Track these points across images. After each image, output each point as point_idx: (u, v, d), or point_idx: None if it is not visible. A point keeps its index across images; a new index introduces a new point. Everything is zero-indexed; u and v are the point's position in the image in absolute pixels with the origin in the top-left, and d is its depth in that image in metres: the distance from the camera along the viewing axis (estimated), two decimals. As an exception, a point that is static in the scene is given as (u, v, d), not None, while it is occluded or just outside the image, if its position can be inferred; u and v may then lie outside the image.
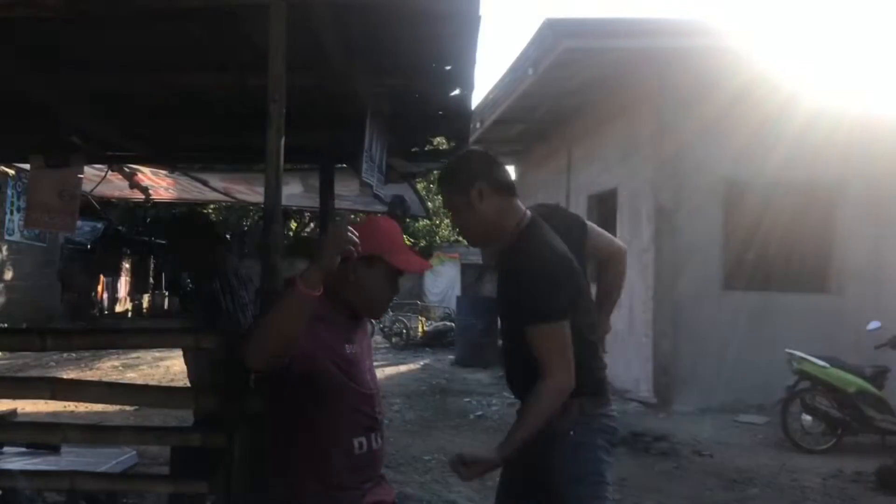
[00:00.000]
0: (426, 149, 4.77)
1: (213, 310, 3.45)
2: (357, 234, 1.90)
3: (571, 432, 2.20)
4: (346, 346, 2.04)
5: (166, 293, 23.99)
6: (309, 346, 1.89)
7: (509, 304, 2.25)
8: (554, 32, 8.15)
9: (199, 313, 3.52)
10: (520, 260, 2.18)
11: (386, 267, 2.04)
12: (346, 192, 5.86)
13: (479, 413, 8.04)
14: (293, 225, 21.84)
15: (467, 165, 2.29)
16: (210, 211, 19.73)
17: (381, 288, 2.07)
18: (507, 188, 2.26)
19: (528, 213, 2.29)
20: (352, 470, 2.00)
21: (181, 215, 3.83)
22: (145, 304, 22.34)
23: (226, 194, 7.25)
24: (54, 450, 2.99)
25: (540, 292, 2.11)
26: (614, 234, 9.96)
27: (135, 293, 22.71)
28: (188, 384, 3.75)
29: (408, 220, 19.01)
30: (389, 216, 4.95)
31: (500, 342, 2.39)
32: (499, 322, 2.40)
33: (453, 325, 14.35)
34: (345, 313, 2.08)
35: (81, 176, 4.92)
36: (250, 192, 6.92)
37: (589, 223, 2.50)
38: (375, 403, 2.09)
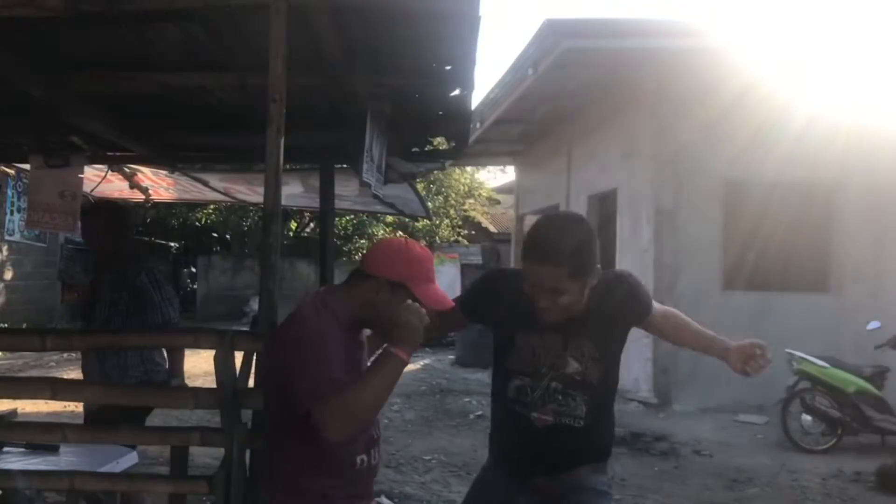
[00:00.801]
0: (426, 149, 4.76)
1: (142, 302, 3.52)
2: (391, 256, 2.00)
3: (610, 496, 2.23)
4: (356, 351, 2.04)
5: (166, 293, 23.97)
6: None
7: (630, 314, 2.26)
8: (554, 32, 8.14)
9: (128, 304, 3.55)
10: (617, 279, 2.26)
11: (408, 295, 1.98)
12: (346, 192, 5.85)
13: (479, 413, 8.04)
14: (293, 225, 21.84)
15: (593, 247, 2.04)
16: (210, 210, 19.78)
17: (396, 320, 1.99)
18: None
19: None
20: (350, 485, 1.99)
21: (90, 206, 3.88)
22: (145, 304, 22.33)
23: (226, 194, 7.24)
24: (53, 449, 2.98)
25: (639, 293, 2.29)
26: (614, 234, 10.01)
27: (135, 293, 22.69)
28: (188, 384, 3.77)
29: (408, 220, 19.06)
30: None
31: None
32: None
33: (453, 324, 14.32)
34: (359, 330, 2.07)
35: (82, 176, 4.92)
36: (250, 192, 6.91)
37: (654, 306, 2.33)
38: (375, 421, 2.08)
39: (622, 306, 2.19)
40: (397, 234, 21.42)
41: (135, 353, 3.51)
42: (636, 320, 2.25)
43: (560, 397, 2.14)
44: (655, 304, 2.29)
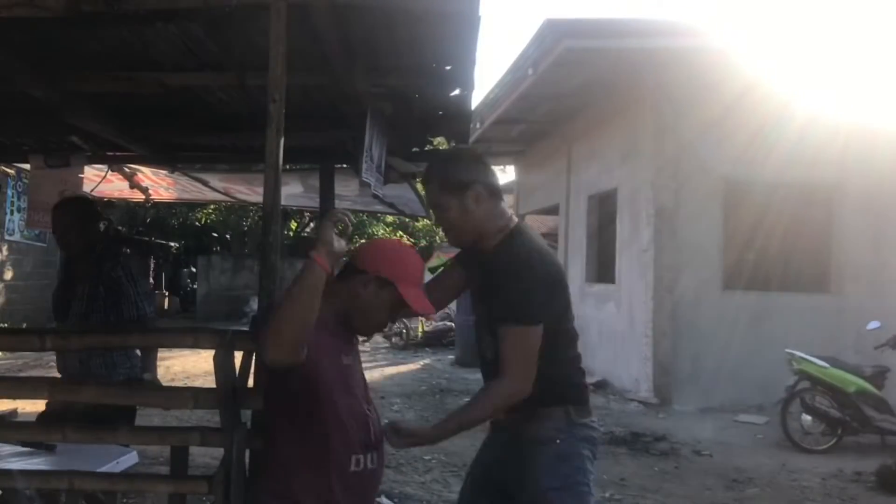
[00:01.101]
0: (426, 149, 4.76)
1: (118, 296, 3.51)
2: (384, 253, 2.06)
3: (557, 440, 2.19)
4: (343, 356, 2.03)
5: (166, 293, 24.01)
6: (314, 351, 1.87)
7: (498, 298, 2.17)
8: (554, 32, 8.15)
9: (105, 298, 3.54)
10: (520, 258, 2.17)
11: (394, 295, 2.02)
12: (346, 192, 5.86)
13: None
14: (293, 225, 21.84)
15: (464, 166, 2.26)
16: (210, 210, 19.79)
17: (382, 312, 2.07)
18: (498, 192, 2.28)
19: (514, 217, 2.33)
20: (347, 488, 1.97)
21: (58, 201, 3.89)
22: (145, 304, 22.34)
23: (226, 194, 7.24)
24: (49, 449, 2.98)
25: (533, 294, 2.11)
26: (614, 234, 10.01)
27: (135, 293, 22.70)
28: (188, 384, 3.76)
29: (408, 220, 19.06)
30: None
31: (475, 336, 2.39)
32: (474, 316, 2.40)
33: (453, 325, 14.34)
34: (343, 326, 2.07)
35: (82, 176, 4.93)
36: (250, 192, 6.92)
37: None
38: (372, 424, 2.06)
39: (498, 290, 2.18)
40: (398, 235, 21.43)
41: (121, 350, 3.50)
42: (494, 322, 2.21)
43: (483, 334, 2.31)
44: (512, 328, 2.13)
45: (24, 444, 2.96)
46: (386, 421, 2.19)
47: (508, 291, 2.12)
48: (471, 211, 2.21)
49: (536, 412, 2.20)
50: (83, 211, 3.74)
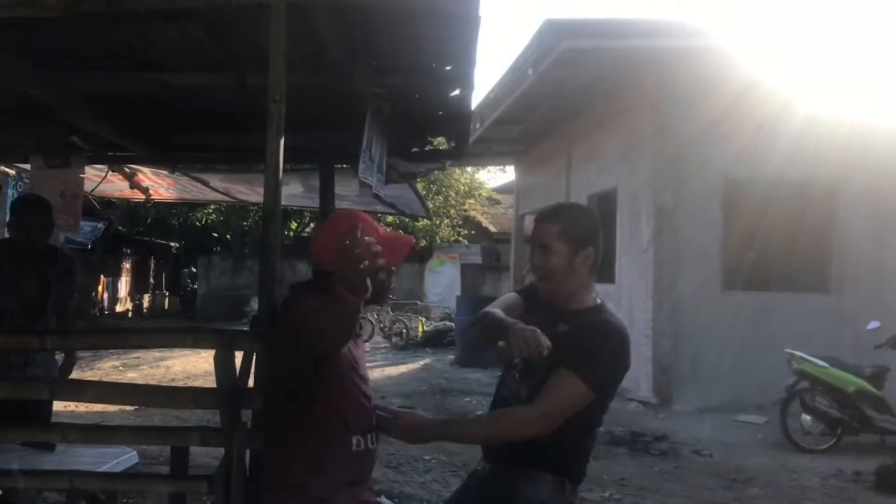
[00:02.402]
0: (426, 149, 4.77)
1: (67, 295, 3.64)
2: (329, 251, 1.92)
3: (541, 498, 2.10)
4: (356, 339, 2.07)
5: (166, 293, 24.02)
6: None
7: (574, 347, 2.09)
8: (554, 32, 8.15)
9: (68, 289, 3.62)
10: (612, 325, 2.15)
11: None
12: (346, 192, 5.85)
13: (479, 413, 8.04)
14: (293, 225, 21.84)
15: (594, 226, 2.25)
16: (210, 210, 19.80)
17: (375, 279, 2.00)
18: (597, 268, 2.24)
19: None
20: (346, 468, 2.00)
21: (35, 200, 3.89)
22: (145, 304, 22.38)
23: (226, 194, 7.24)
24: (49, 447, 2.98)
25: (606, 361, 2.08)
26: (614, 233, 10.01)
27: (135, 293, 22.74)
28: (188, 384, 3.76)
29: (408, 220, 19.06)
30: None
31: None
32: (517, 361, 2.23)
33: (453, 325, 14.34)
34: None
35: (83, 176, 4.93)
36: (250, 192, 6.92)
37: None
38: (369, 404, 2.10)
39: (573, 343, 2.11)
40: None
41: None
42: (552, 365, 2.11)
43: (522, 378, 2.22)
44: (571, 375, 2.04)
45: (23, 444, 2.96)
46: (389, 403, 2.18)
47: (587, 344, 2.08)
48: (574, 266, 2.17)
49: (534, 473, 2.11)
50: (51, 211, 3.72)
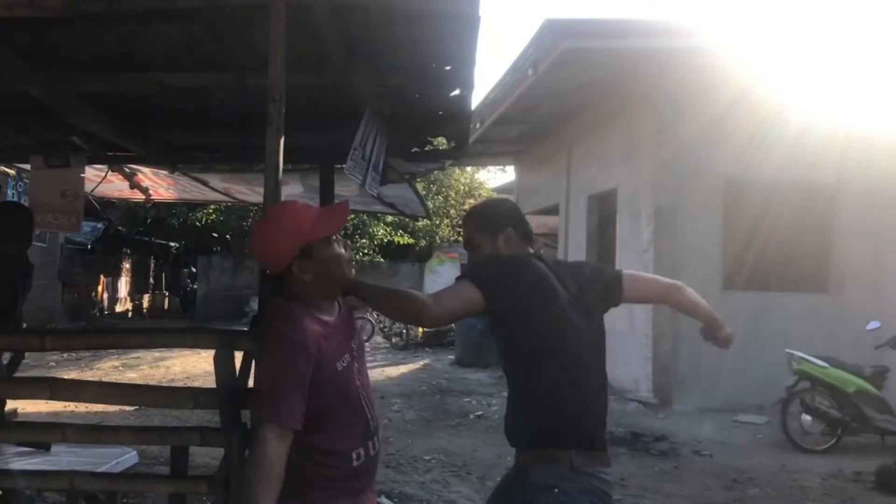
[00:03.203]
0: (426, 149, 4.76)
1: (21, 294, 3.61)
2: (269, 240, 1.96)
3: (556, 489, 2.03)
4: (338, 363, 1.98)
5: (166, 293, 24.03)
6: (317, 369, 1.86)
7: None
8: (554, 32, 8.15)
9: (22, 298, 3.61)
10: (505, 254, 2.34)
11: (320, 247, 1.95)
12: (346, 192, 5.85)
13: (479, 413, 8.04)
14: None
15: (508, 210, 2.47)
16: (210, 210, 19.79)
17: (335, 264, 1.99)
18: (529, 237, 2.39)
19: (538, 252, 2.43)
20: (349, 480, 1.99)
21: (17, 207, 3.88)
22: (145, 304, 22.40)
23: (226, 194, 7.23)
24: (45, 448, 2.98)
25: (495, 268, 2.23)
26: (614, 234, 10.01)
27: (135, 293, 22.76)
28: (188, 384, 3.77)
29: (408, 220, 19.07)
30: None
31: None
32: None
33: (453, 325, 14.35)
34: (333, 317, 2.01)
35: (83, 175, 4.92)
36: (250, 192, 6.91)
37: (626, 272, 2.40)
38: (369, 411, 2.04)
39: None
40: (398, 234, 21.35)
41: None
42: None
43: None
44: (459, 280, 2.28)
45: (19, 444, 2.96)
46: (386, 421, 2.17)
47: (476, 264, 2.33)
48: (500, 250, 2.32)
49: (542, 452, 2.09)
50: (30, 217, 3.69)
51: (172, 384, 8.64)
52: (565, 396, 2.11)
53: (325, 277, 1.97)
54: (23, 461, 2.92)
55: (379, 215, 17.90)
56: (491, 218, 2.39)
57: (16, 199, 10.51)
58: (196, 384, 7.90)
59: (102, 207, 14.54)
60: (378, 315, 15.28)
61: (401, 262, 22.04)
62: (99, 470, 2.89)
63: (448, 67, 3.21)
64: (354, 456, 1.98)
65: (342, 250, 2.03)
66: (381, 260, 22.18)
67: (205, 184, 6.35)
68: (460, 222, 21.93)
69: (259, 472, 1.76)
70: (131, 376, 10.02)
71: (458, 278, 2.24)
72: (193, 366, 10.74)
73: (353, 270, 2.07)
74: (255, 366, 1.96)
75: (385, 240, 21.68)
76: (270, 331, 1.91)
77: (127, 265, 22.77)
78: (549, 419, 2.11)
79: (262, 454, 1.77)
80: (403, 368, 11.96)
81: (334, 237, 2.01)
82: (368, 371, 2.19)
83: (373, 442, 2.04)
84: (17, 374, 3.51)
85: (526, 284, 2.17)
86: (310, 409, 1.86)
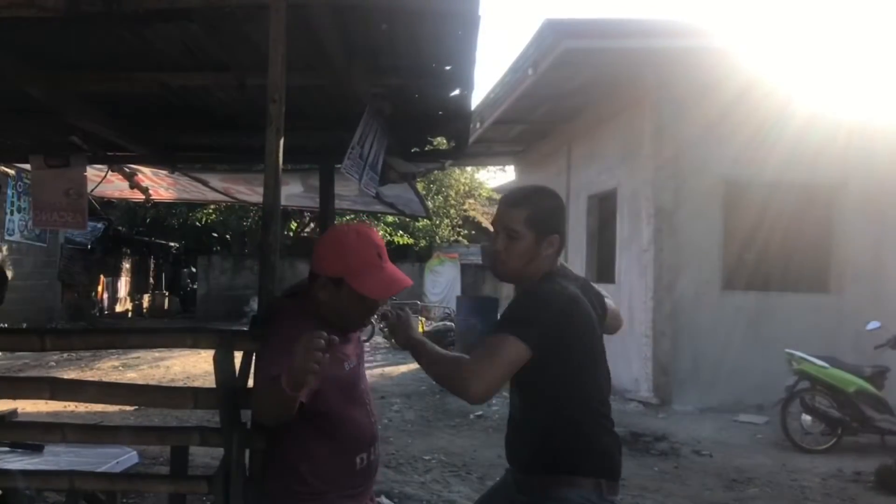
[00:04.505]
0: (426, 149, 4.77)
1: None
2: (326, 249, 1.96)
3: None
4: (345, 364, 1.99)
5: (166, 293, 24.03)
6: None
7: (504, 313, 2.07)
8: (554, 32, 8.15)
9: None
10: (545, 286, 2.07)
11: (351, 288, 1.92)
12: (346, 192, 5.86)
13: (479, 413, 8.04)
14: (293, 225, 21.84)
15: (559, 211, 2.17)
16: (210, 210, 19.79)
17: (355, 307, 1.96)
18: (562, 248, 2.18)
19: (560, 265, 2.21)
20: (352, 483, 2.00)
21: None
22: (145, 304, 22.39)
23: (226, 194, 7.24)
24: (37, 449, 2.98)
25: (523, 309, 2.02)
26: (614, 234, 10.02)
27: (135, 293, 22.76)
28: (188, 384, 3.77)
29: (408, 220, 19.08)
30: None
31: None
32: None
33: (453, 325, 14.34)
34: (335, 328, 1.97)
35: (85, 174, 4.93)
36: (250, 192, 6.92)
37: (607, 299, 2.32)
38: (371, 416, 2.06)
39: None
40: (398, 234, 21.37)
41: None
42: None
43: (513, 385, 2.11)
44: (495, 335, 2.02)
45: (12, 445, 2.96)
46: (386, 421, 2.16)
47: (516, 306, 2.04)
48: (539, 253, 2.09)
49: (570, 479, 2.00)
50: None
51: (172, 384, 8.64)
52: (600, 425, 2.07)
53: (339, 311, 1.96)
54: (22, 461, 2.92)
55: (379, 215, 17.89)
56: (546, 216, 2.11)
57: (15, 198, 10.49)
58: (196, 384, 7.90)
59: (102, 207, 14.57)
60: (377, 314, 15.27)
61: (401, 262, 22.06)
62: (99, 470, 2.89)
63: (448, 67, 3.21)
64: (359, 460, 1.99)
65: (366, 309, 1.99)
66: (381, 260, 22.15)
67: (205, 184, 6.36)
68: (457, 220, 22.25)
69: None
70: (131, 376, 10.02)
71: (498, 329, 1.97)
72: (193, 366, 10.74)
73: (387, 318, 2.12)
74: (256, 360, 1.97)
75: (385, 240, 21.68)
76: (274, 326, 1.95)
77: (127, 265, 22.76)
78: (584, 446, 2.03)
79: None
80: (403, 368, 11.95)
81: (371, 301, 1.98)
82: (368, 371, 2.20)
83: (374, 447, 2.06)
84: (17, 374, 3.51)
85: (575, 328, 2.02)
86: (316, 412, 1.87)
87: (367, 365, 2.22)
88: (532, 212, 2.08)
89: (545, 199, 2.16)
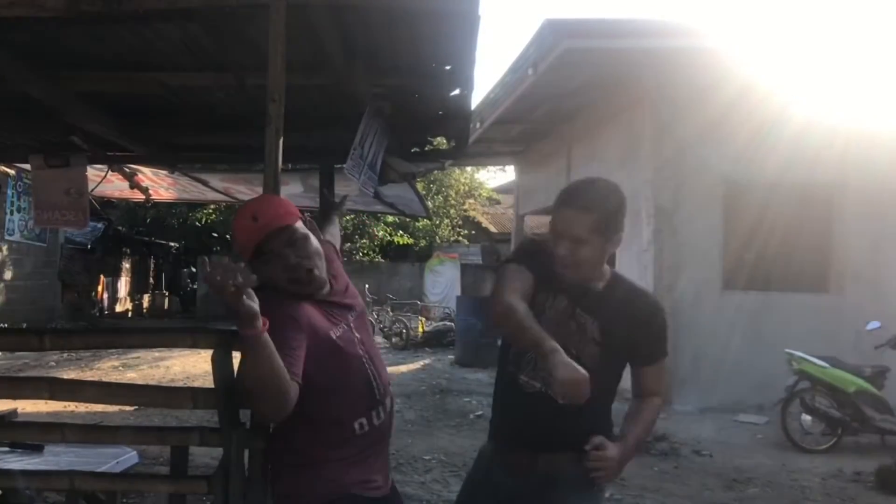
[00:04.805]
0: (426, 149, 4.77)
1: None
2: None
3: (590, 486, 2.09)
4: (337, 328, 1.99)
5: (166, 293, 24.02)
6: (310, 344, 1.87)
7: (645, 341, 2.14)
8: (554, 32, 8.15)
9: None
10: (653, 301, 2.21)
11: (265, 251, 1.91)
12: (346, 191, 5.85)
13: (479, 413, 8.04)
14: (293, 225, 21.79)
15: (623, 212, 2.06)
16: (210, 210, 19.79)
17: (275, 275, 1.93)
18: None
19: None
20: (353, 449, 1.99)
21: None
22: (145, 304, 22.38)
23: (226, 194, 7.25)
24: (37, 449, 2.97)
25: (668, 330, 2.19)
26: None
27: (135, 293, 22.74)
28: (188, 384, 3.76)
29: (408, 220, 19.07)
30: None
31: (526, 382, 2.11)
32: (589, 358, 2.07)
33: (453, 325, 14.34)
34: (314, 302, 1.99)
35: (86, 174, 4.94)
36: (250, 192, 6.92)
37: None
38: (374, 380, 2.04)
39: (646, 331, 2.14)
40: (398, 234, 21.34)
41: None
42: (646, 360, 2.22)
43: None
44: (663, 361, 2.28)
45: (12, 445, 2.96)
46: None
47: (656, 329, 2.15)
48: (605, 252, 2.05)
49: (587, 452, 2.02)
50: None
51: (172, 384, 8.64)
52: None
53: (275, 284, 1.93)
54: (22, 461, 2.92)
55: (379, 215, 17.88)
56: (613, 218, 2.02)
57: (15, 198, 10.51)
58: (196, 384, 7.90)
59: (102, 207, 14.56)
60: (377, 314, 15.30)
61: (401, 262, 22.06)
62: (99, 470, 2.89)
63: (448, 67, 3.22)
64: (357, 426, 1.98)
65: (292, 260, 1.93)
66: (381, 260, 22.19)
67: (205, 184, 6.37)
68: (457, 220, 22.34)
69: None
70: (131, 376, 10.02)
71: (663, 356, 2.24)
72: (193, 366, 10.73)
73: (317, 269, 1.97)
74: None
75: (385, 240, 21.68)
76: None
77: (127, 265, 22.74)
78: (606, 417, 2.29)
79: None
80: (403, 368, 11.95)
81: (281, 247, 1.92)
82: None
83: (377, 411, 2.03)
84: (17, 374, 3.51)
85: None
86: (309, 381, 1.86)
87: (371, 335, 2.19)
88: (599, 216, 1.99)
89: (610, 199, 2.05)
